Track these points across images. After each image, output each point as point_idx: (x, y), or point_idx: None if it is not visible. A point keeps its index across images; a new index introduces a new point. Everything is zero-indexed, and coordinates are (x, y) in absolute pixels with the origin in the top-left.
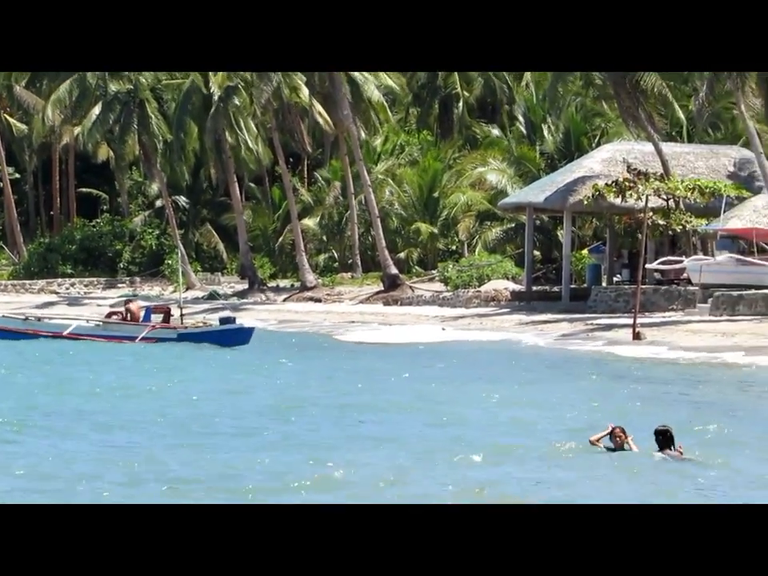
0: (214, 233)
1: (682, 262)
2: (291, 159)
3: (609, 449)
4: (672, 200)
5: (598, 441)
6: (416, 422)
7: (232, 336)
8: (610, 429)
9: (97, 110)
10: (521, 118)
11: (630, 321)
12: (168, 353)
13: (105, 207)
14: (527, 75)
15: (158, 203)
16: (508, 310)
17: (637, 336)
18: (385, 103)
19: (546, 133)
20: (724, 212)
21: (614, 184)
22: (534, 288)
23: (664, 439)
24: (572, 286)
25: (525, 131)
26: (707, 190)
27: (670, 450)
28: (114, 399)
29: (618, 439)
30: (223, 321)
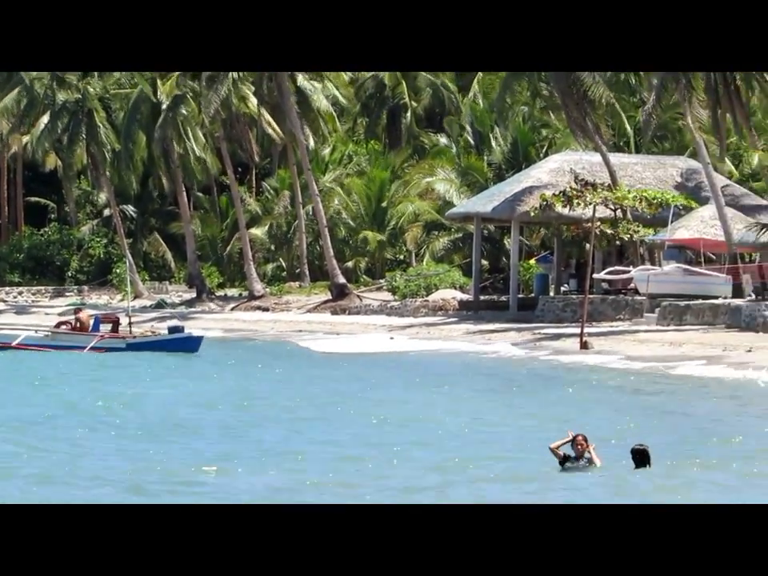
0: (162, 242)
1: (629, 271)
2: (239, 169)
3: (569, 456)
4: (619, 210)
5: (558, 448)
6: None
7: (180, 345)
8: (571, 436)
9: (45, 119)
10: (468, 128)
11: (578, 330)
12: (122, 361)
13: (53, 216)
14: (475, 86)
15: (106, 212)
16: (456, 319)
17: (584, 345)
18: (333, 113)
19: (493, 143)
20: (671, 222)
21: (561, 194)
22: (482, 297)
23: (641, 458)
24: (519, 296)
25: (472, 141)
26: (654, 201)
27: (646, 468)
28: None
29: (579, 447)
30: (172, 330)
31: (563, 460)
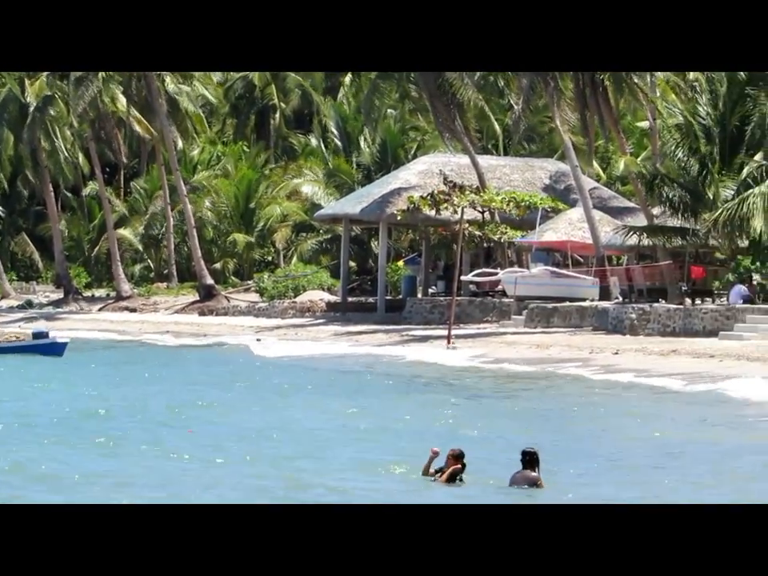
0: (30, 242)
1: (497, 274)
2: (108, 169)
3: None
4: (487, 212)
5: (428, 469)
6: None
7: (45, 349)
8: (432, 454)
9: None
10: (335, 131)
11: (445, 332)
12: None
13: None
14: (344, 87)
15: None
16: (323, 320)
17: (451, 345)
18: (201, 114)
19: (362, 144)
20: (539, 224)
21: (429, 196)
22: (350, 299)
23: (530, 460)
24: (387, 298)
25: (340, 143)
26: (522, 203)
27: (534, 471)
28: None
29: (448, 461)
30: (36, 335)
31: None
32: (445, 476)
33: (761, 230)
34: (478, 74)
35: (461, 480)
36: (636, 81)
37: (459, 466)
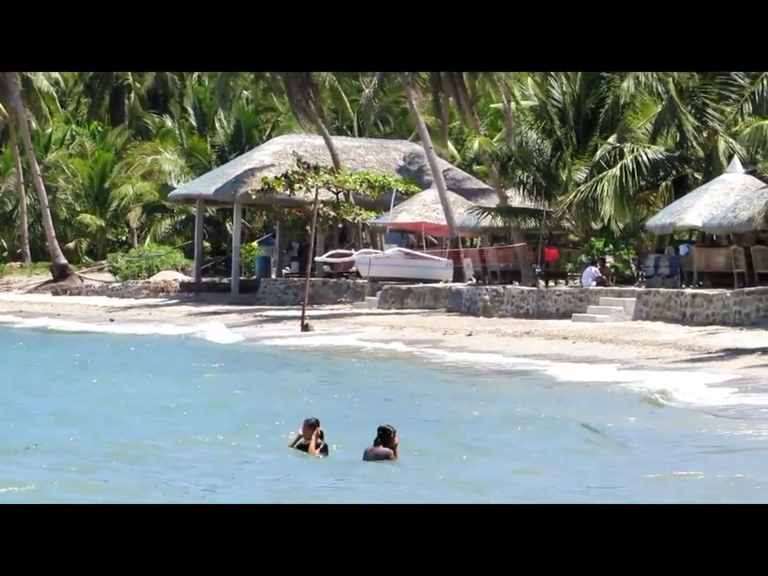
0: None
1: (351, 255)
2: None
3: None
4: (342, 193)
5: (294, 444)
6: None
7: None
8: (298, 435)
9: None
10: (191, 110)
11: (299, 313)
12: None
13: None
14: None
15: None
16: (177, 300)
17: (305, 328)
18: (54, 94)
19: (217, 125)
20: (393, 206)
21: (283, 177)
22: (204, 279)
23: (383, 436)
24: (241, 278)
25: (195, 123)
26: (377, 184)
27: (387, 446)
28: None
29: (307, 434)
30: None
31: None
32: (316, 448)
33: (611, 213)
34: None
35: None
36: None
37: (319, 433)
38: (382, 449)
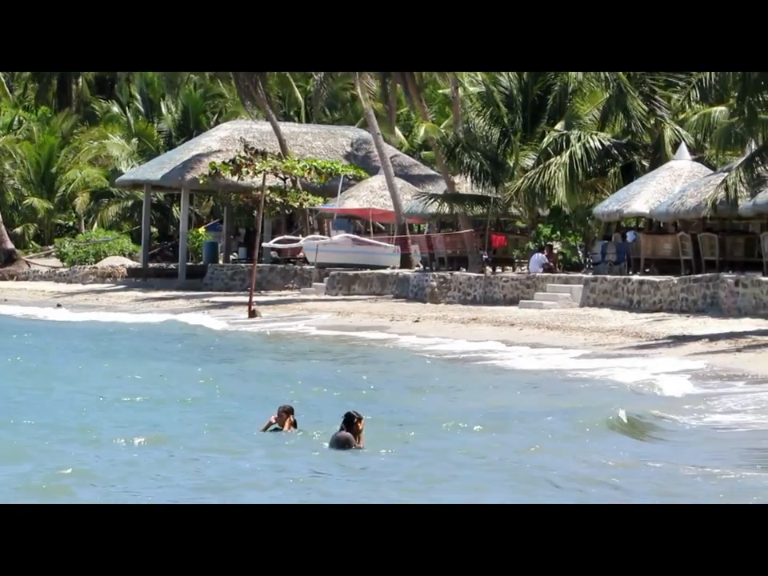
0: None
1: (298, 240)
2: None
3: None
4: (289, 179)
5: (267, 428)
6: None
7: None
8: (274, 420)
9: None
10: (138, 96)
11: (246, 298)
12: None
13: None
14: None
15: None
16: (124, 286)
17: (252, 314)
18: (2, 79)
19: (164, 110)
20: (341, 192)
21: (230, 162)
22: (151, 265)
23: (347, 422)
24: (189, 264)
25: (143, 109)
26: (324, 170)
27: (350, 432)
28: None
29: (281, 419)
30: None
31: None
32: (291, 426)
33: (561, 200)
34: None
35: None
36: None
37: (293, 421)
38: (344, 434)
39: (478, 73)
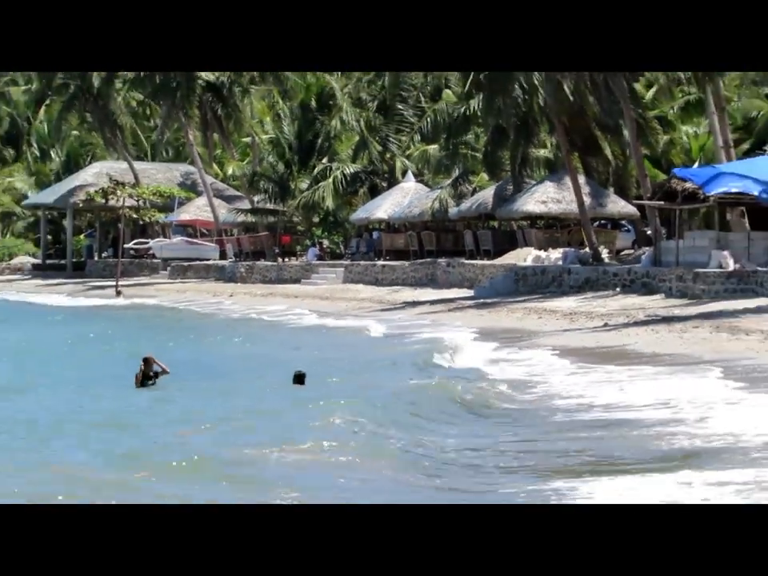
0: None
1: (148, 243)
2: None
3: (148, 375)
4: (141, 200)
5: (139, 378)
6: None
7: None
8: (143, 365)
9: None
10: (35, 145)
11: (113, 283)
12: None
13: None
14: (41, 114)
15: None
16: (30, 276)
17: (118, 293)
18: None
19: (53, 155)
20: (177, 208)
21: (101, 190)
22: (48, 261)
23: (299, 379)
24: (74, 260)
25: (39, 154)
26: (165, 194)
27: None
28: None
29: (148, 365)
30: None
31: (142, 381)
32: (145, 378)
33: (331, 209)
34: (133, 103)
35: (153, 383)
36: (239, 106)
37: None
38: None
39: (269, 123)
